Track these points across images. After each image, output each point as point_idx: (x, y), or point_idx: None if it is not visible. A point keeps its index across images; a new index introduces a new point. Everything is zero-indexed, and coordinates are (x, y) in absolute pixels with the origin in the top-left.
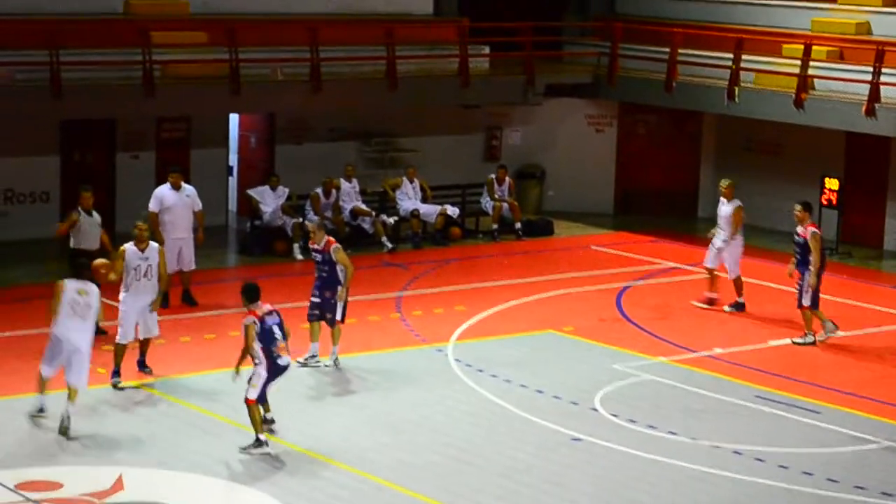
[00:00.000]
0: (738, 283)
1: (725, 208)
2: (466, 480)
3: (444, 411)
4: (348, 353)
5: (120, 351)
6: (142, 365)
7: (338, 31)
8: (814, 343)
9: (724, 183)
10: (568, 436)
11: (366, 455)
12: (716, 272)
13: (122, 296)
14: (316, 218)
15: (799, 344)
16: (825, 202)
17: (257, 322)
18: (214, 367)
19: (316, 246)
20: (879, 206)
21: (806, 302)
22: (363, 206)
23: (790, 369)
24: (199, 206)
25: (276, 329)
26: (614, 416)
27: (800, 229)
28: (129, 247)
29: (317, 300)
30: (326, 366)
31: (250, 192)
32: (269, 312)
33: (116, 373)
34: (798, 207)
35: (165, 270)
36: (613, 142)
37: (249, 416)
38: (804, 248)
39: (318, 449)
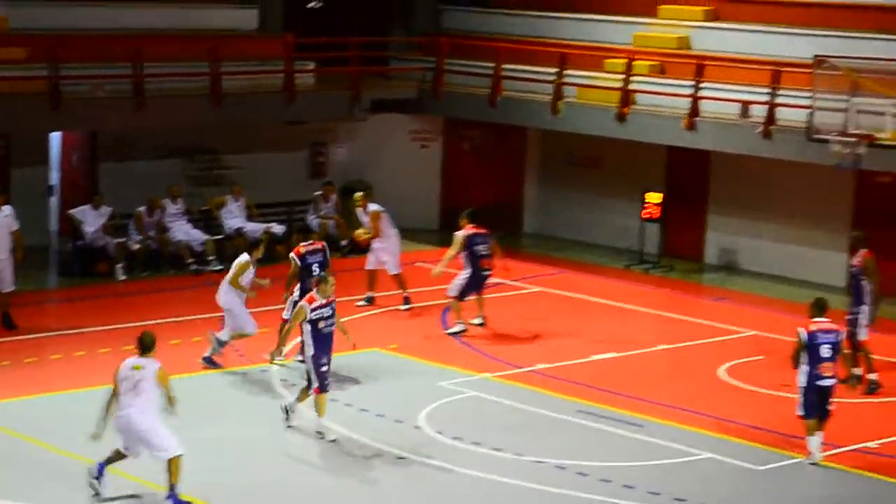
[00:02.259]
0: (400, 280)
1: (364, 217)
2: (291, 502)
3: (268, 431)
4: (178, 373)
5: None
6: None
7: (161, 46)
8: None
9: (357, 196)
10: (392, 455)
11: (189, 478)
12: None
13: None
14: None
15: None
16: (647, 216)
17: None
18: (36, 391)
19: (322, 301)
20: (700, 219)
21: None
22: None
23: (613, 383)
24: (16, 225)
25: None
26: (439, 433)
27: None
28: None
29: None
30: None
31: (72, 212)
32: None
33: None
34: None
35: None
36: (439, 157)
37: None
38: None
39: (133, 472)
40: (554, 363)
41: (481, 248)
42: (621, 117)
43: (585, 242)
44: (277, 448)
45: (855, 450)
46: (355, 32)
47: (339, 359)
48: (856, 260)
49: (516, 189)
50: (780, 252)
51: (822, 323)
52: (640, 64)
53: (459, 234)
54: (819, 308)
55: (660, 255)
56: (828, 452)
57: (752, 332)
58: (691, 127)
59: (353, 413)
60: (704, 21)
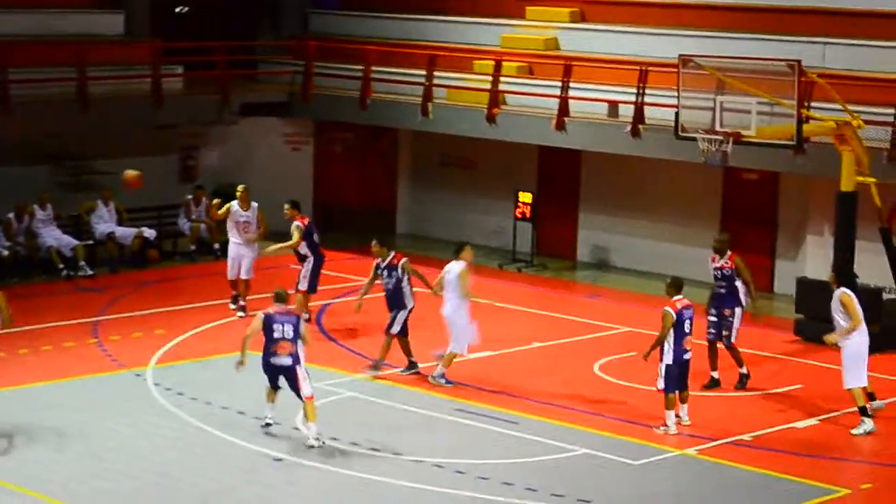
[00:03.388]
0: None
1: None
2: None
3: (144, 437)
4: (40, 381)
5: None
6: None
7: (27, 52)
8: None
9: (239, 188)
10: (270, 456)
11: (68, 485)
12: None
13: None
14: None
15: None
16: (519, 216)
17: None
18: None
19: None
20: (572, 218)
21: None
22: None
23: (488, 381)
24: None
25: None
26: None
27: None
28: None
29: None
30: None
31: None
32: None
33: None
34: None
35: None
36: (310, 160)
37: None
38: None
39: (13, 480)
40: (429, 362)
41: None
42: (491, 118)
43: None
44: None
45: (729, 443)
46: (223, 37)
47: (214, 362)
48: (723, 262)
49: (389, 190)
50: (652, 249)
51: (682, 300)
52: (509, 65)
53: (295, 226)
54: (677, 287)
55: (532, 253)
56: (702, 446)
57: (626, 329)
58: (561, 127)
59: (230, 415)
60: (571, 22)
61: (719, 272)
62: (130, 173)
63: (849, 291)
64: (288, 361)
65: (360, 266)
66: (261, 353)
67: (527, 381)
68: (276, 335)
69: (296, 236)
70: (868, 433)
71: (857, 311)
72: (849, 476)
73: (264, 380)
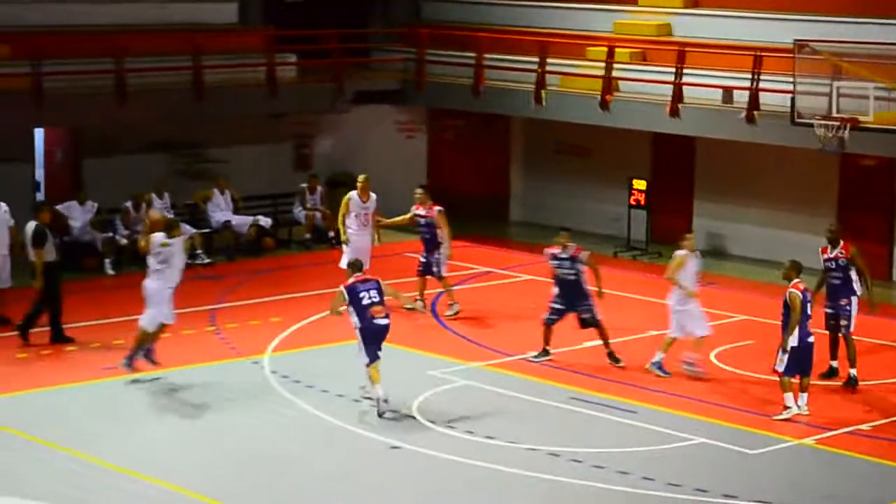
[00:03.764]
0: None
1: (422, 216)
2: (287, 491)
3: (262, 424)
4: (168, 367)
5: None
6: None
7: (142, 42)
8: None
9: (360, 178)
10: (386, 444)
11: (186, 471)
12: None
13: None
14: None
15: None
16: (634, 203)
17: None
18: (26, 387)
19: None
20: (686, 205)
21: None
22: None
23: (604, 370)
24: (11, 222)
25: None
26: (432, 422)
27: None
28: None
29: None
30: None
31: (58, 207)
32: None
33: None
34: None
35: None
36: (424, 148)
37: None
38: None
39: (132, 466)
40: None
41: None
42: (604, 105)
43: (573, 230)
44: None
45: (848, 432)
46: (335, 24)
47: (328, 350)
48: (837, 252)
49: (502, 178)
50: (767, 237)
51: (801, 283)
52: (622, 51)
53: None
54: (797, 269)
55: (647, 241)
56: (820, 435)
57: (742, 317)
58: (675, 113)
59: (345, 403)
60: (684, 8)
61: (833, 262)
62: None
63: None
64: (387, 321)
65: (473, 254)
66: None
67: (643, 370)
68: (365, 302)
69: (444, 222)
70: None
71: None
72: None
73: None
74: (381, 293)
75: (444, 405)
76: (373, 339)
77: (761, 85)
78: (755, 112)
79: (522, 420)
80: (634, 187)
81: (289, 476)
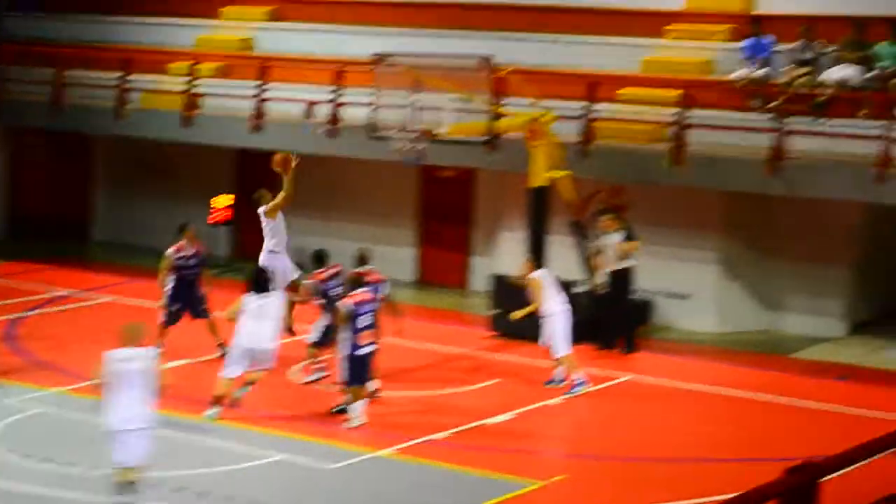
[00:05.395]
0: None
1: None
2: None
3: None
4: None
5: None
6: None
7: None
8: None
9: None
10: None
11: None
12: None
13: None
14: None
15: None
16: (217, 220)
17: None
18: None
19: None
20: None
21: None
22: None
23: (185, 391)
24: None
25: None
26: (11, 452)
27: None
28: None
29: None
30: None
31: None
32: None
33: None
34: None
35: None
36: (4, 166)
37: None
38: None
39: None
40: None
41: None
42: (187, 121)
43: (158, 249)
44: None
45: (425, 441)
46: None
47: None
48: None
49: (84, 197)
50: (353, 249)
51: (362, 294)
52: (205, 66)
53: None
54: (358, 284)
55: (231, 257)
56: (399, 445)
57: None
58: (258, 128)
59: None
60: (267, 22)
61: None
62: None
63: (537, 275)
64: None
65: (53, 276)
66: None
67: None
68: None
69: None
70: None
71: (540, 296)
72: (544, 468)
73: None
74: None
75: (23, 433)
76: None
77: (342, 99)
78: (336, 125)
79: (105, 444)
80: (218, 203)
81: None
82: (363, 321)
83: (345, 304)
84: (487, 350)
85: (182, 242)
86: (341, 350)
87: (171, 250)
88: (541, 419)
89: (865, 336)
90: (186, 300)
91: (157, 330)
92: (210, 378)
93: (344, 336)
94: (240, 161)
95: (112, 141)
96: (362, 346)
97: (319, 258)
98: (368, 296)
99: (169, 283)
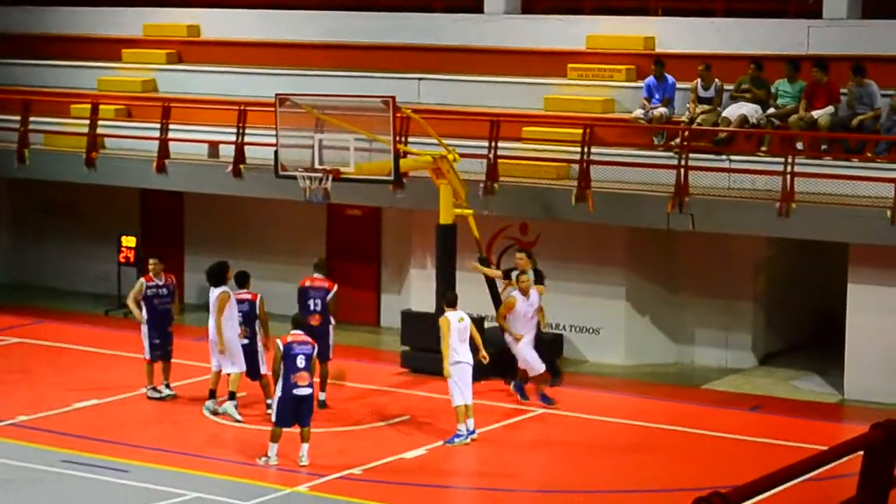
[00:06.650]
0: None
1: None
2: None
3: None
4: None
5: None
6: None
7: None
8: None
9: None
10: None
11: None
12: None
13: None
14: None
15: None
16: (123, 260)
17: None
18: None
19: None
20: (177, 260)
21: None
22: None
23: (96, 430)
24: None
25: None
26: None
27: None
28: None
29: None
30: None
31: None
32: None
33: None
34: None
35: None
36: None
37: None
38: None
39: None
40: (35, 414)
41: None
42: (90, 162)
43: (63, 290)
44: None
45: (340, 477)
46: None
47: None
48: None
49: None
50: (261, 289)
51: (297, 335)
52: (107, 108)
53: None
54: (295, 322)
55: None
56: (313, 482)
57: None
58: (161, 169)
59: None
60: (168, 64)
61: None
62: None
63: (448, 317)
64: None
65: None
66: None
67: (135, 428)
68: None
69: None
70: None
71: (446, 339)
72: (458, 503)
73: None
74: None
75: None
76: None
77: (246, 139)
78: (241, 166)
79: (12, 487)
80: (123, 244)
81: None
82: (297, 362)
83: (277, 343)
84: (399, 386)
85: (149, 274)
86: (277, 390)
87: (141, 280)
88: (454, 454)
89: (774, 367)
90: (162, 333)
91: (144, 371)
92: (124, 416)
93: (276, 375)
94: (144, 201)
95: (16, 182)
96: (297, 388)
97: (242, 279)
98: (301, 337)
99: (143, 316)
